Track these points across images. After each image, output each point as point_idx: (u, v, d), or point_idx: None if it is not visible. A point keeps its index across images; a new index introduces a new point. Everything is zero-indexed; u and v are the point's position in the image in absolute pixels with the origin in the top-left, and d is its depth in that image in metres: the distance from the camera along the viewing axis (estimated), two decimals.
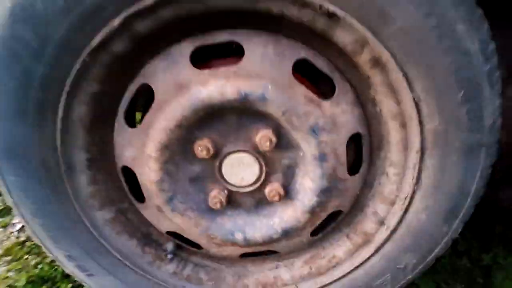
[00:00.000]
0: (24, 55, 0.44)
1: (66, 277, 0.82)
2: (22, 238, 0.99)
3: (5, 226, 1.04)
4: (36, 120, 0.48)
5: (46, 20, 0.42)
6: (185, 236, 0.64)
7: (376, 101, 0.52)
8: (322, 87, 0.54)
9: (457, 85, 0.45)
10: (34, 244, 0.96)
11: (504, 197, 0.69)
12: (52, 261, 0.88)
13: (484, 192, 0.56)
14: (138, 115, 0.65)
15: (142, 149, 0.54)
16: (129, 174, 0.59)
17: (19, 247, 0.97)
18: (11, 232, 1.02)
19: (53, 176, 0.53)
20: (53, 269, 0.85)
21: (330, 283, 0.65)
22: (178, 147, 0.54)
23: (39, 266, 0.87)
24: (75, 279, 0.80)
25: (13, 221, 1.04)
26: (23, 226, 1.06)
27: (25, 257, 0.93)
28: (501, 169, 0.62)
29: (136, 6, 0.42)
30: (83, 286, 0.80)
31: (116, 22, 0.43)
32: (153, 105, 0.51)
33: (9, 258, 0.93)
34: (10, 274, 0.87)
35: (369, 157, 0.58)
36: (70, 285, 0.80)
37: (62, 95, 0.47)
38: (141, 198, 0.60)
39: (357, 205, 0.62)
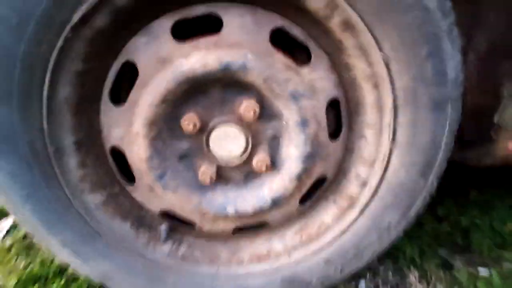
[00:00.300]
0: (3, 33, 0.44)
1: (60, 273, 0.81)
2: (9, 242, 0.97)
3: None
4: (21, 101, 0.48)
5: None
6: (177, 214, 0.65)
7: (349, 65, 0.55)
8: (298, 55, 0.57)
9: (421, 41, 0.49)
10: (22, 246, 0.93)
11: (472, 156, 0.74)
12: (43, 260, 0.87)
13: (455, 153, 0.61)
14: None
15: (129, 127, 0.56)
16: (118, 156, 0.60)
17: (6, 251, 0.94)
18: None
19: (41, 160, 0.53)
20: (45, 267, 0.83)
21: (321, 249, 0.67)
22: (165, 123, 0.56)
23: (30, 267, 0.85)
24: (69, 273, 0.81)
25: None
26: (8, 231, 1.04)
27: (13, 261, 0.90)
28: (469, 130, 0.67)
29: None
30: (77, 280, 0.80)
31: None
32: (138, 81, 0.53)
33: None
34: None
35: (348, 122, 0.61)
36: (63, 280, 0.79)
37: (46, 75, 0.48)
38: (131, 179, 0.61)
39: (341, 171, 0.65)
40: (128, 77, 0.55)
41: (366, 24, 0.48)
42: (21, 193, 0.54)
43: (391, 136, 0.57)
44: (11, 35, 0.44)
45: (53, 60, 0.47)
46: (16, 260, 0.90)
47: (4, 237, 1.02)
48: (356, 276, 0.78)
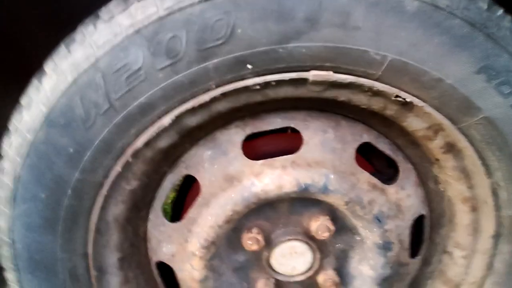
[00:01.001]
0: (57, 163, 0.37)
1: None
2: None
3: None
4: (66, 227, 0.41)
5: (86, 125, 0.36)
6: None
7: (439, 179, 0.48)
8: (381, 164, 0.50)
9: None
10: None
11: None
12: None
13: None
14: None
15: (183, 245, 0.48)
16: (164, 268, 0.52)
17: None
18: None
19: (81, 285, 0.45)
20: None
21: None
22: (225, 240, 0.48)
23: None
24: None
25: None
26: None
27: None
28: None
29: (190, 103, 0.37)
30: None
31: (166, 120, 0.38)
32: (199, 199, 0.45)
33: None
34: None
35: (430, 235, 0.53)
36: None
37: (98, 199, 0.41)
38: None
39: (416, 283, 0.57)
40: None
41: (476, 151, 0.41)
42: None
43: (487, 263, 0.48)
44: (66, 165, 0.37)
45: (108, 184, 0.40)
46: None
47: None
48: None
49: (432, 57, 0.35)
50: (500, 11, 0.36)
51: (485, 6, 0.35)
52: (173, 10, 0.33)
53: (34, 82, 0.38)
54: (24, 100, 0.38)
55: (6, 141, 0.39)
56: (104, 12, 0.35)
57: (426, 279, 0.56)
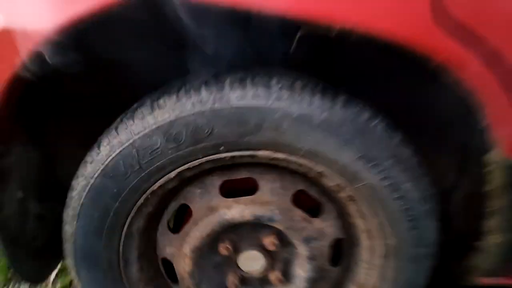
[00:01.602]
0: (106, 197, 0.63)
1: None
2: (58, 286, 1.17)
3: None
4: (108, 235, 0.67)
5: (124, 177, 0.61)
6: None
7: (351, 217, 0.72)
8: (311, 204, 0.74)
9: (404, 217, 0.65)
10: None
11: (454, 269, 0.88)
12: None
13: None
14: None
15: (180, 248, 0.73)
16: (167, 263, 0.77)
17: None
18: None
19: (114, 270, 0.71)
20: None
21: None
22: (207, 247, 0.73)
23: None
24: None
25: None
26: (57, 275, 1.23)
27: None
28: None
29: (187, 165, 0.62)
30: None
31: (172, 174, 0.62)
32: (191, 220, 0.71)
33: None
34: None
35: (347, 252, 0.77)
36: None
37: (127, 218, 0.66)
38: (175, 280, 0.79)
39: (338, 285, 0.81)
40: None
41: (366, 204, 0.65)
42: None
43: (380, 273, 0.73)
44: (111, 199, 0.63)
45: (134, 210, 0.65)
46: None
47: (53, 280, 1.22)
48: None
49: (330, 149, 0.59)
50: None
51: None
52: (179, 117, 0.57)
53: (95, 148, 0.63)
54: (88, 158, 0.63)
55: (75, 181, 0.65)
56: (139, 112, 0.60)
57: (348, 282, 0.81)
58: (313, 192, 0.71)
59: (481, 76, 0.48)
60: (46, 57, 0.49)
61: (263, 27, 0.53)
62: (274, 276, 0.77)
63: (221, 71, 0.59)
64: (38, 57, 0.50)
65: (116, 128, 0.61)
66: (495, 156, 0.55)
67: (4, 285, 1.21)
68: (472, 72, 0.47)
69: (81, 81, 0.65)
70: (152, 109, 0.59)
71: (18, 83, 0.53)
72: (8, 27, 0.47)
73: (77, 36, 0.50)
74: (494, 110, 0.50)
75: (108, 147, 0.61)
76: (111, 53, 0.61)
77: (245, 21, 0.53)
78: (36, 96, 0.64)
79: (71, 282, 1.19)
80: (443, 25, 0.44)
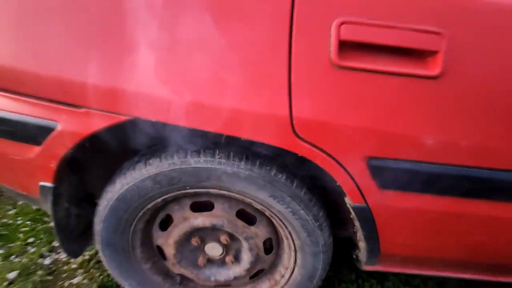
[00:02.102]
0: (119, 211, 1.03)
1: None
2: (87, 257, 1.63)
3: None
4: (122, 231, 1.08)
5: (131, 201, 1.01)
6: (185, 276, 1.26)
7: (275, 226, 1.11)
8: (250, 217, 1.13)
9: (303, 229, 1.03)
10: (96, 260, 1.60)
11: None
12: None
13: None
14: None
15: (167, 240, 1.15)
16: (159, 248, 1.20)
17: (87, 262, 1.60)
18: None
19: (126, 252, 1.14)
20: (112, 281, 1.48)
21: None
22: (184, 240, 1.15)
23: (103, 275, 1.51)
24: None
25: None
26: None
27: (92, 270, 1.56)
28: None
29: (168, 195, 1.01)
30: None
31: (159, 200, 1.02)
32: (173, 224, 1.11)
33: (82, 270, 1.57)
34: (85, 281, 1.51)
35: (277, 244, 1.18)
36: None
37: (133, 223, 1.07)
38: (165, 258, 1.22)
39: (273, 266, 1.23)
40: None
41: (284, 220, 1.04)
42: (116, 269, 1.16)
43: (294, 260, 1.13)
44: (123, 212, 1.03)
45: (137, 219, 1.06)
46: (92, 271, 1.56)
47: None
48: None
49: (251, 191, 0.97)
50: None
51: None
52: (161, 172, 0.95)
53: (112, 183, 1.02)
54: (109, 188, 1.03)
55: (101, 201, 1.05)
56: (138, 165, 0.98)
57: (278, 264, 1.22)
58: (250, 210, 1.10)
59: (328, 162, 0.83)
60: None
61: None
62: (228, 259, 1.19)
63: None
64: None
65: (124, 173, 1.00)
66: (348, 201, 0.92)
67: (51, 251, 1.69)
68: (321, 159, 0.83)
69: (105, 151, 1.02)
70: (145, 165, 0.97)
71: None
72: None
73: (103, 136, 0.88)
74: (340, 174, 0.86)
75: (119, 185, 1.00)
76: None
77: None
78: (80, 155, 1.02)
79: (96, 253, 1.66)
80: (299, 137, 0.80)
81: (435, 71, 0.73)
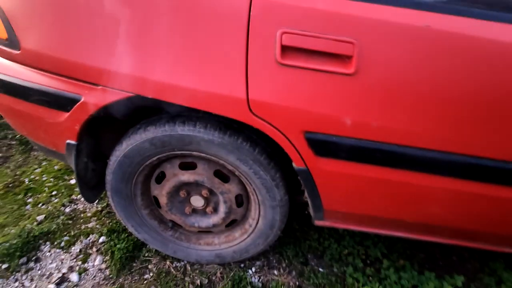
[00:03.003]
0: (125, 166, 1.36)
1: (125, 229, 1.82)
2: (100, 206, 2.00)
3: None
4: (126, 180, 1.42)
5: (134, 158, 1.33)
6: (175, 222, 1.60)
7: (244, 184, 1.42)
8: (225, 176, 1.44)
9: (263, 186, 1.34)
10: (107, 210, 1.96)
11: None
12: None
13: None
14: None
15: (161, 191, 1.48)
16: (155, 198, 1.54)
17: (99, 212, 1.97)
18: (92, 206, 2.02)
19: (129, 199, 1.48)
20: (119, 226, 1.84)
21: (233, 245, 1.60)
22: (173, 192, 1.48)
23: (114, 221, 1.87)
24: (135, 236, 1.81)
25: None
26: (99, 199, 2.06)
27: (104, 218, 1.93)
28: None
29: (161, 155, 1.33)
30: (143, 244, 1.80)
31: (154, 159, 1.34)
32: (165, 179, 1.44)
33: (95, 218, 1.94)
34: (97, 226, 1.88)
35: (246, 200, 1.50)
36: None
37: (135, 176, 1.40)
38: (159, 206, 1.56)
39: (244, 217, 1.55)
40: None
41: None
42: (122, 212, 1.50)
43: (258, 212, 1.45)
44: (128, 166, 1.36)
45: (138, 172, 1.39)
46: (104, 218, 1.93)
47: (97, 201, 2.06)
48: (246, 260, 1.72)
49: (223, 154, 1.28)
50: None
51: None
52: (156, 136, 1.27)
53: (120, 143, 1.34)
54: (117, 147, 1.35)
55: (112, 157, 1.38)
56: (140, 131, 1.30)
57: (248, 215, 1.55)
58: (224, 171, 1.41)
59: (276, 134, 1.13)
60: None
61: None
62: (209, 209, 1.52)
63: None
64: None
65: (129, 137, 1.32)
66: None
67: (71, 202, 2.06)
68: (271, 132, 1.13)
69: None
70: (144, 130, 1.29)
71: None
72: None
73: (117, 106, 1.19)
74: (286, 144, 1.16)
75: (125, 144, 1.32)
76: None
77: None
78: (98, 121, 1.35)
79: (106, 205, 2.02)
80: (254, 114, 1.10)
81: (350, 70, 1.01)
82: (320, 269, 1.72)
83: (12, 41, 1.16)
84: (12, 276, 1.58)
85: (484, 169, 1.10)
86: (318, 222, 1.48)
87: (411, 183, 1.19)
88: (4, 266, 1.61)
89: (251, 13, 1.00)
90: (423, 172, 1.15)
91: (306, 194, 1.34)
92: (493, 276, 1.71)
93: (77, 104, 1.17)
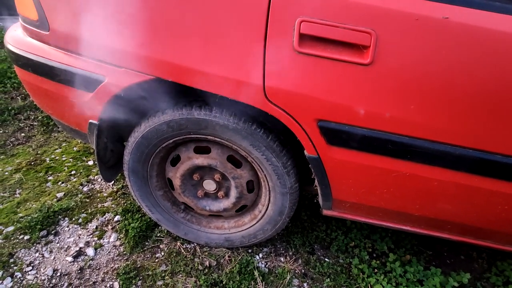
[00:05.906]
0: (142, 147, 1.42)
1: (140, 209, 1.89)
2: (116, 187, 2.08)
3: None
4: (143, 161, 1.47)
5: (151, 140, 1.39)
6: (188, 205, 1.65)
7: (256, 169, 1.46)
8: (238, 162, 1.48)
9: (274, 173, 1.37)
10: (123, 192, 2.03)
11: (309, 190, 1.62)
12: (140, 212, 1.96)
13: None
14: None
15: (175, 174, 1.53)
16: (169, 180, 1.59)
17: (115, 192, 2.05)
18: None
19: (145, 179, 1.54)
20: (133, 206, 1.92)
21: (242, 230, 1.65)
22: (188, 175, 1.53)
23: (129, 200, 1.95)
24: (148, 216, 1.88)
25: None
26: (115, 180, 2.14)
27: (119, 197, 2.01)
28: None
29: (177, 138, 1.38)
30: (158, 225, 1.87)
31: (171, 141, 1.39)
32: (180, 161, 1.49)
33: (111, 198, 2.02)
34: (113, 205, 1.95)
35: (257, 186, 1.54)
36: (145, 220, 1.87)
37: (151, 157, 1.46)
38: (173, 188, 1.61)
39: (254, 203, 1.59)
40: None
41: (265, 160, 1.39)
42: (137, 191, 1.56)
43: (268, 198, 1.49)
44: (145, 147, 1.42)
45: (155, 154, 1.44)
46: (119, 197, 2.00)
47: (113, 183, 2.13)
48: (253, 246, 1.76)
49: (237, 139, 1.31)
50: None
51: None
52: (173, 119, 1.32)
53: (138, 126, 1.40)
54: (136, 129, 1.41)
55: (130, 138, 1.43)
56: (157, 115, 1.35)
57: (258, 201, 1.58)
58: (237, 157, 1.45)
59: (290, 121, 1.16)
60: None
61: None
62: (220, 193, 1.57)
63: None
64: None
65: (148, 119, 1.37)
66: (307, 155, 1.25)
67: (88, 182, 2.14)
68: (285, 119, 1.16)
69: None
70: (162, 113, 1.33)
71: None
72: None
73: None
74: (299, 131, 1.19)
75: (144, 126, 1.38)
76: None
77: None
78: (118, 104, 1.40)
79: (122, 187, 2.10)
80: (269, 101, 1.13)
81: (366, 60, 1.02)
82: (326, 259, 1.75)
83: (43, 22, 1.22)
84: (33, 247, 1.67)
85: (496, 165, 1.10)
86: (326, 212, 1.51)
87: (422, 176, 1.20)
88: (26, 237, 1.71)
89: (271, 1, 1.02)
90: (434, 166, 1.16)
91: (316, 183, 1.37)
92: (500, 276, 1.70)
93: (101, 85, 1.23)
